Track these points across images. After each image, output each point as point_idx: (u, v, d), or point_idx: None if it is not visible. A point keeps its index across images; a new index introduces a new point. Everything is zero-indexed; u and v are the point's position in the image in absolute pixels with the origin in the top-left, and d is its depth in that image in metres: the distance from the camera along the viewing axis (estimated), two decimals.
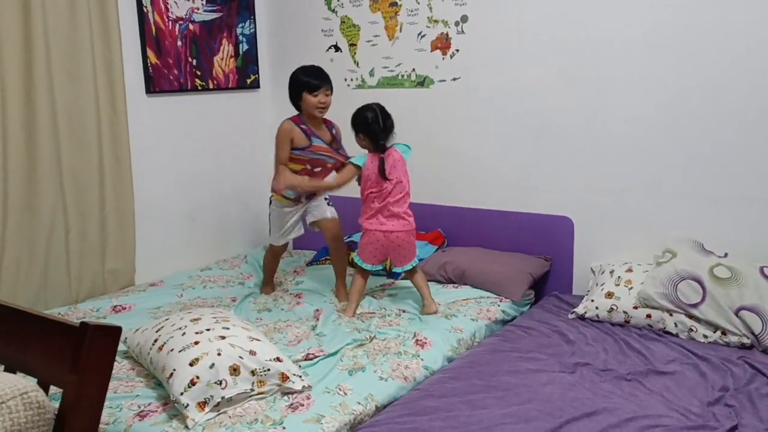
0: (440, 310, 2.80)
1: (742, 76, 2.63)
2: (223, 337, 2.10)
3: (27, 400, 1.13)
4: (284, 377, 2.08)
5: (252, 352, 2.06)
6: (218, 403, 1.96)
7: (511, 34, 3.11)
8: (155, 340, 2.18)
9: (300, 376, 2.13)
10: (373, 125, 2.73)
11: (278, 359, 2.10)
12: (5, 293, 2.77)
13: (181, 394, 1.93)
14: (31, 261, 2.87)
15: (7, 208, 2.77)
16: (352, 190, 2.97)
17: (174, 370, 2.00)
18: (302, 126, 2.91)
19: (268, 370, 2.05)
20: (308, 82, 2.86)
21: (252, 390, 2.02)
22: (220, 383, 1.97)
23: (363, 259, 2.82)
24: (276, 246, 3.14)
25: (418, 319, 2.72)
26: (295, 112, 2.97)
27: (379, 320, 2.72)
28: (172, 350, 2.07)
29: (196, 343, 2.06)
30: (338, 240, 3.07)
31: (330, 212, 3.06)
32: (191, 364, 1.98)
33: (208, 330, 2.14)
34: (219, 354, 2.02)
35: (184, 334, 2.13)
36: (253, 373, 2.03)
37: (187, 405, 1.92)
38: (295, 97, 2.90)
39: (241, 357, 2.03)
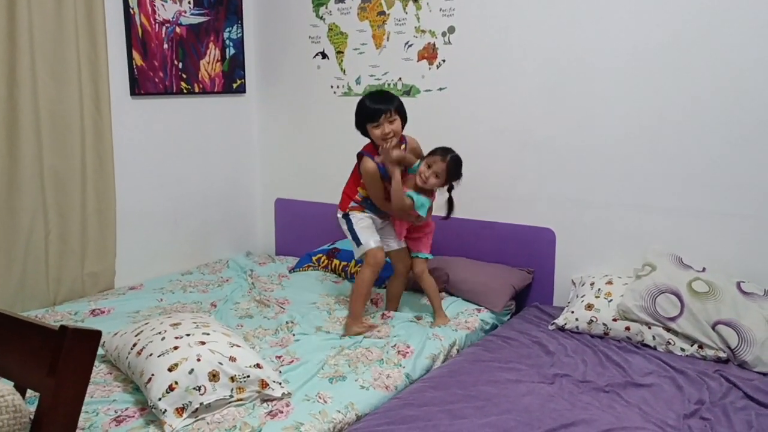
0: (422, 318, 2.81)
1: (724, 94, 2.67)
2: (203, 343, 2.08)
3: (3, 403, 1.12)
4: (264, 384, 2.07)
5: (232, 359, 2.05)
6: (196, 409, 1.94)
7: (498, 46, 3.14)
8: (134, 344, 2.16)
9: (280, 383, 2.12)
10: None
11: (258, 366, 2.09)
12: None
13: (159, 399, 1.91)
14: (10, 262, 2.83)
15: None
16: None
17: (152, 375, 1.98)
18: (376, 160, 2.68)
19: (248, 376, 2.04)
20: (366, 109, 2.60)
21: (231, 396, 2.01)
22: (199, 389, 1.95)
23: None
24: (377, 251, 2.67)
25: (400, 327, 2.72)
26: None
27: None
28: (150, 355, 2.06)
29: (176, 348, 2.05)
30: (408, 269, 2.90)
31: (398, 242, 2.86)
32: (170, 370, 1.97)
33: (187, 335, 2.12)
34: (198, 359, 2.00)
35: (163, 338, 2.12)
36: (232, 379, 2.02)
37: (165, 411, 1.90)
38: (362, 130, 2.68)
39: (220, 363, 2.02)
